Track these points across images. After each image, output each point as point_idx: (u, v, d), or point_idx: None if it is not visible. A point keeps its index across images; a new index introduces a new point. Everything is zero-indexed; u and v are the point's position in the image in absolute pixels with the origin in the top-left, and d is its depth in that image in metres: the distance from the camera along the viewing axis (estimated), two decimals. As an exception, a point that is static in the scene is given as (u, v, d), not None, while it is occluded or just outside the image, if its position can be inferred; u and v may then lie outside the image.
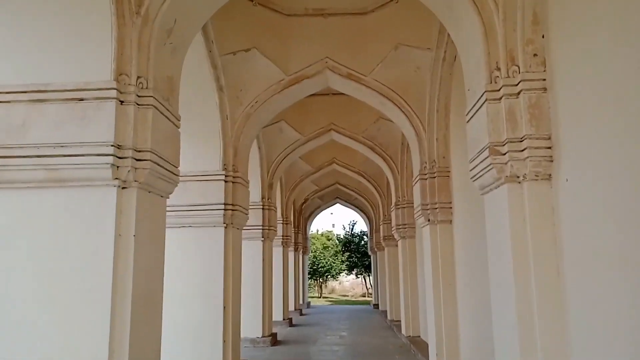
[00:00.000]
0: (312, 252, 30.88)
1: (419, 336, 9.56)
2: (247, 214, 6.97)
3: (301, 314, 16.87)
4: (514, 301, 3.03)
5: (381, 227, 13.91)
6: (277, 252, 12.48)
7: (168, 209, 3.97)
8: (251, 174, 9.53)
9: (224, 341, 6.00)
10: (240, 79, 6.65)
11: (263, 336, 9.33)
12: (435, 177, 6.38)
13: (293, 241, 16.49)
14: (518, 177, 3.14)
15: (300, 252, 19.15)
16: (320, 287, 32.30)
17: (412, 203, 9.63)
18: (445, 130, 6.45)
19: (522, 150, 3.11)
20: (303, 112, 9.92)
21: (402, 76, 6.61)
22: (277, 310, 12.29)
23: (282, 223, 13.05)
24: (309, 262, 29.80)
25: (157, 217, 3.68)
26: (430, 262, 6.40)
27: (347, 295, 32.33)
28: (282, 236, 13.02)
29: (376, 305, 19.04)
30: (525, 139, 3.10)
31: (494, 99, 3.27)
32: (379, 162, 10.31)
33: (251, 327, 9.19)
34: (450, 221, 6.30)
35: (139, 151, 3.32)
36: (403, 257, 10.06)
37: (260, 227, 9.54)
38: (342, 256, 31.67)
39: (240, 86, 6.73)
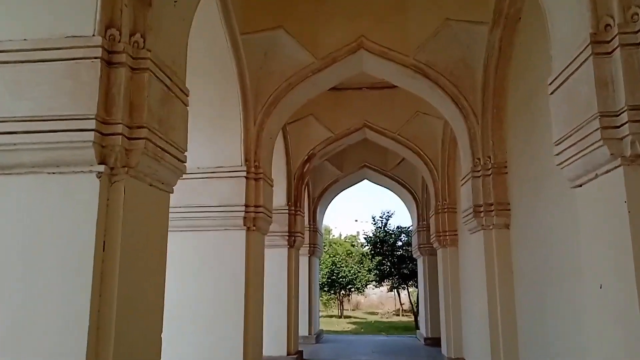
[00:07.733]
0: (330, 257, 24.75)
1: None
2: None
3: (298, 363, 9.20)
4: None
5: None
6: (235, 237, 5.68)
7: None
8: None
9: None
10: None
11: None
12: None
13: (287, 230, 9.37)
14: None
15: (305, 252, 11.96)
16: (342, 303, 25.55)
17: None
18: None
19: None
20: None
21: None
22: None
23: (247, 177, 5.78)
24: (326, 270, 23.40)
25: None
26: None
27: (377, 314, 25.86)
28: (245, 209, 5.68)
29: (429, 340, 11.79)
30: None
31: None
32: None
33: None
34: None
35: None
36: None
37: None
38: (370, 262, 22.86)
39: None
